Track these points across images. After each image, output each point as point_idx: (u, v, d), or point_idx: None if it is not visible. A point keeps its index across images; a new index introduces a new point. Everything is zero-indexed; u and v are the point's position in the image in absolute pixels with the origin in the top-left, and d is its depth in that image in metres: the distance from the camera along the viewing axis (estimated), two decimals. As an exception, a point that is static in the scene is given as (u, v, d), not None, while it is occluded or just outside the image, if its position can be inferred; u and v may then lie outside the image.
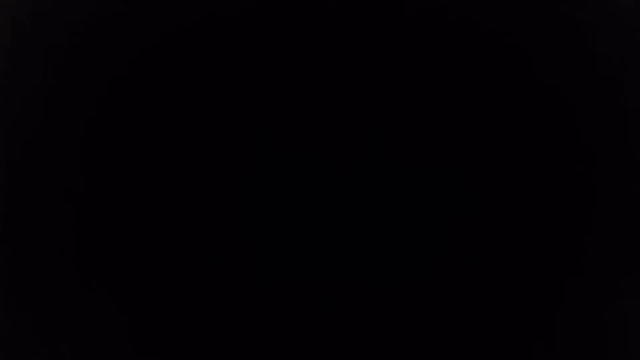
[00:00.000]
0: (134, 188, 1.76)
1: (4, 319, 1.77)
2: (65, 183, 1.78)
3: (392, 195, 1.76)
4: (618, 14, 1.82)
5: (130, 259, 1.75)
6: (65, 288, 1.76)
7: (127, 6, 1.79)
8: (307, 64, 1.78)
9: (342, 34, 1.79)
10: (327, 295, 1.75)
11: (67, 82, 1.79)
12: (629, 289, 1.77)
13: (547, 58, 1.79)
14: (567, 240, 1.77)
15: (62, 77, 1.79)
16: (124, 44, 1.79)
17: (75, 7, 1.81)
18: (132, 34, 1.79)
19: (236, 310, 1.75)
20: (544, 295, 1.76)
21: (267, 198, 1.76)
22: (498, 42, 1.79)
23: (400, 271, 1.75)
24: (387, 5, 1.79)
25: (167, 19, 1.79)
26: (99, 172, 1.77)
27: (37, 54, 1.81)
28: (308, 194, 1.76)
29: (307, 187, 1.76)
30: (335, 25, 1.79)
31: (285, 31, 1.78)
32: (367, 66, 1.78)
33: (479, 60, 1.78)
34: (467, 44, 1.78)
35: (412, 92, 1.77)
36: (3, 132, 1.80)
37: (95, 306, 1.76)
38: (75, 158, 1.78)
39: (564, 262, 1.76)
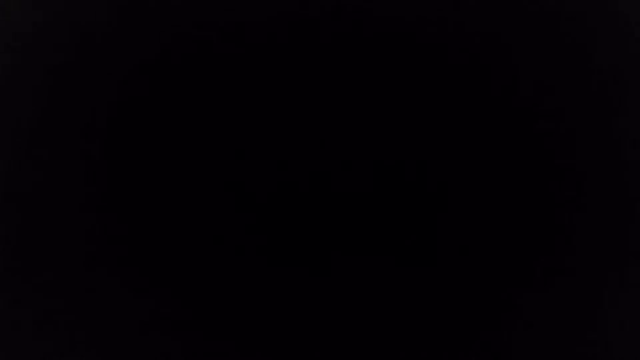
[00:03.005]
0: (141, 186, 1.76)
1: (5, 318, 1.77)
2: (71, 181, 1.78)
3: (390, 193, 1.76)
4: (618, 15, 1.82)
5: (136, 255, 1.76)
6: (70, 282, 1.77)
7: (128, 11, 1.79)
8: (307, 68, 1.78)
9: (338, 39, 1.79)
10: (326, 292, 1.75)
11: (70, 83, 1.79)
12: (620, 286, 1.77)
13: (544, 60, 1.80)
14: (559, 239, 1.77)
15: (64, 79, 1.79)
16: (125, 47, 1.79)
17: (77, 11, 1.81)
18: (133, 38, 1.79)
19: (243, 302, 1.75)
20: (539, 291, 1.76)
21: (268, 197, 1.76)
22: (495, 47, 1.79)
23: (397, 270, 1.75)
24: (384, 10, 1.80)
25: (168, 25, 1.79)
26: (104, 171, 1.77)
27: (39, 57, 1.81)
28: (312, 190, 1.76)
29: (311, 183, 1.76)
30: (332, 31, 1.79)
31: (283, 37, 1.79)
32: (364, 71, 1.78)
33: (474, 65, 1.78)
34: (463, 49, 1.78)
35: (411, 97, 1.78)
36: (4, 132, 1.80)
37: (100, 301, 1.76)
38: (81, 156, 1.78)
39: (557, 260, 1.77)
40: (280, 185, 1.76)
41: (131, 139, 1.77)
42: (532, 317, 1.76)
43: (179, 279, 1.75)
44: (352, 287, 1.76)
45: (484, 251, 1.75)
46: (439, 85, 1.78)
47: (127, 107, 1.78)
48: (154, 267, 1.75)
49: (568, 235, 1.77)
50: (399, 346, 1.75)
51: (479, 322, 1.75)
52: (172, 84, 1.78)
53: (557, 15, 1.81)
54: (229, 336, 1.75)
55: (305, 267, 1.75)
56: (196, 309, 1.75)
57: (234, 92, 1.78)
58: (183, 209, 1.76)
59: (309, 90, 1.78)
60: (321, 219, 1.76)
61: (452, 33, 1.79)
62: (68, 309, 1.76)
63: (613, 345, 1.77)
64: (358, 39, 1.79)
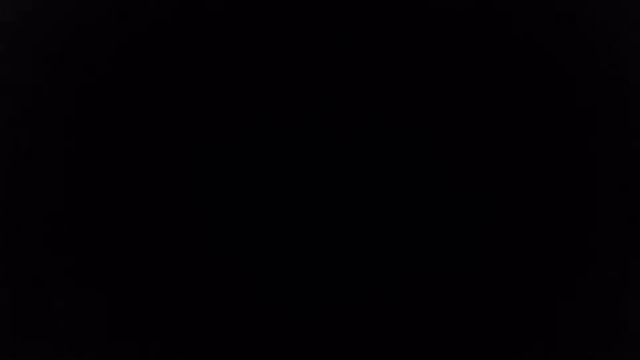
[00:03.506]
0: (130, 187, 1.76)
1: (4, 318, 1.78)
2: (60, 181, 1.78)
3: (391, 193, 1.76)
4: (618, 13, 1.81)
5: (127, 259, 1.76)
6: (59, 285, 1.77)
7: (122, 6, 1.79)
8: (306, 59, 1.78)
9: (338, 39, 1.78)
10: (325, 298, 1.75)
11: (62, 80, 1.79)
12: (630, 288, 1.77)
13: (551, 56, 1.79)
14: (570, 241, 1.76)
15: (57, 75, 1.79)
16: (120, 42, 1.79)
17: (72, 5, 1.81)
18: (126, 33, 1.79)
19: (226, 309, 1.75)
20: (548, 294, 1.76)
21: (265, 200, 1.76)
22: (502, 38, 1.78)
23: (406, 270, 1.75)
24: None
25: (162, 18, 1.79)
26: (95, 171, 1.77)
27: (33, 52, 1.81)
28: (312, 190, 1.76)
29: (308, 184, 1.76)
30: (332, 30, 1.78)
31: (280, 23, 1.78)
32: (369, 59, 1.78)
33: (482, 58, 1.77)
34: (469, 41, 1.78)
35: (419, 91, 1.77)
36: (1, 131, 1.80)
37: (93, 302, 1.76)
38: (69, 155, 1.78)
39: (567, 262, 1.76)
40: (280, 185, 1.76)
41: (126, 138, 1.77)
42: (543, 323, 1.75)
43: (173, 283, 1.75)
44: (352, 289, 1.75)
45: (493, 255, 1.75)
46: (443, 83, 1.77)
47: (122, 104, 1.78)
48: (148, 268, 1.75)
49: (577, 239, 1.76)
50: (400, 347, 1.75)
51: (484, 324, 1.75)
52: (167, 81, 1.77)
53: (567, 13, 1.80)
54: (228, 338, 1.75)
55: (305, 270, 1.75)
56: (192, 312, 1.75)
57: (231, 90, 1.77)
58: (178, 210, 1.76)
59: (307, 87, 1.77)
60: (321, 219, 1.75)
61: (456, 29, 1.78)
62: (62, 309, 1.76)
63: (623, 348, 1.77)
64: (358, 34, 1.78)
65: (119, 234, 1.76)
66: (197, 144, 1.76)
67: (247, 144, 1.76)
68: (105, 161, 1.77)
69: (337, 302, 1.75)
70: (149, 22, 1.78)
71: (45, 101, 1.79)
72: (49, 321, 1.76)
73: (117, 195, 1.76)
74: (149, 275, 1.75)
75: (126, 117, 1.77)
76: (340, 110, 1.77)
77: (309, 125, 1.76)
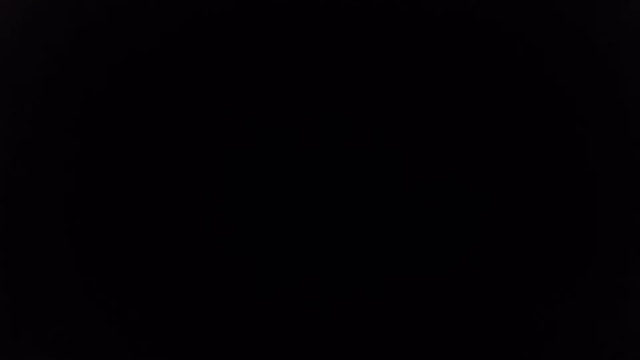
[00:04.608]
0: (132, 188, 1.76)
1: (4, 318, 1.77)
2: (62, 183, 1.78)
3: (398, 196, 1.76)
4: (619, 13, 1.82)
5: (128, 259, 1.76)
6: (62, 287, 1.77)
7: (122, 8, 1.80)
8: (308, 63, 1.78)
9: (342, 31, 1.79)
10: (326, 298, 1.75)
11: (63, 82, 1.79)
12: (629, 289, 1.77)
13: (552, 59, 1.79)
14: (569, 241, 1.76)
15: (58, 77, 1.80)
16: (120, 44, 1.79)
17: (72, 8, 1.81)
18: (127, 35, 1.80)
19: (231, 312, 1.75)
20: (546, 295, 1.76)
21: (268, 201, 1.76)
22: (503, 43, 1.79)
23: (404, 273, 1.75)
24: (392, 3, 1.80)
25: (162, 20, 1.80)
26: (98, 172, 1.77)
27: (34, 54, 1.81)
28: (310, 195, 1.76)
29: (309, 188, 1.76)
30: (335, 22, 1.79)
31: (284, 27, 1.79)
32: (370, 65, 1.78)
33: (482, 62, 1.78)
34: (470, 45, 1.78)
35: (415, 93, 1.77)
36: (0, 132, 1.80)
37: (93, 306, 1.76)
38: (71, 156, 1.78)
39: (566, 263, 1.76)
40: (279, 186, 1.76)
41: (124, 140, 1.77)
42: (543, 323, 1.75)
43: (173, 282, 1.75)
44: (352, 289, 1.75)
45: (496, 259, 1.75)
46: (441, 87, 1.78)
47: (120, 104, 1.78)
48: (149, 268, 1.75)
49: (580, 240, 1.76)
50: (403, 350, 1.75)
51: (484, 324, 1.75)
52: (166, 81, 1.78)
53: (566, 16, 1.81)
54: (226, 343, 1.75)
55: (306, 273, 1.75)
56: (192, 313, 1.75)
57: (230, 92, 1.78)
58: (177, 210, 1.76)
59: (308, 88, 1.78)
60: (322, 222, 1.76)
61: (456, 28, 1.79)
62: (61, 310, 1.76)
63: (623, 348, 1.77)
64: (360, 37, 1.79)
65: (119, 235, 1.76)
66: (199, 146, 1.77)
67: (248, 144, 1.76)
68: (107, 162, 1.77)
69: (337, 302, 1.75)
70: (153, 25, 1.79)
71: (50, 103, 1.79)
72: (49, 321, 1.76)
73: (117, 196, 1.76)
74: (150, 275, 1.75)
75: (128, 119, 1.77)
76: (338, 111, 1.77)
77: (309, 126, 1.76)
